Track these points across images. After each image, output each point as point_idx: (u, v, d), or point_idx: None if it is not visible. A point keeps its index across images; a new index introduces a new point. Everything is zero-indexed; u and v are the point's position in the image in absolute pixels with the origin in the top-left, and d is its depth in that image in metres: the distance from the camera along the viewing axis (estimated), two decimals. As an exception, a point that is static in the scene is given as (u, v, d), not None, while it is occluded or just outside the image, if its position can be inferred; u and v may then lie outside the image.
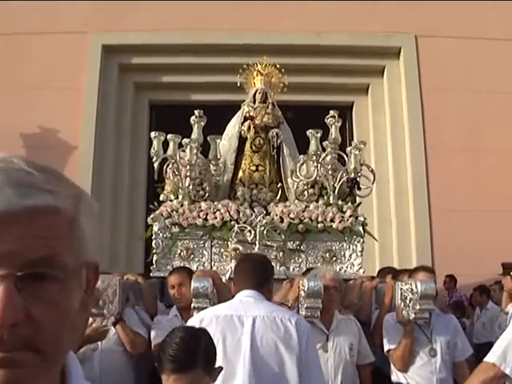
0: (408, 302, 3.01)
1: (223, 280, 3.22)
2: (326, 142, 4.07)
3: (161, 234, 3.85)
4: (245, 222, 3.73)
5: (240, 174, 4.32)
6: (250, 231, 3.52)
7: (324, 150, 4.08)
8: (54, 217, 0.54)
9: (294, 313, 2.51)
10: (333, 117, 4.04)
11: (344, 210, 3.93)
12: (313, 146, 4.01)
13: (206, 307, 2.60)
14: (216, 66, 6.99)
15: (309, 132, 4.07)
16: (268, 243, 3.66)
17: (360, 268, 3.90)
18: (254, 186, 4.21)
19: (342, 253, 3.90)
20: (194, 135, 3.97)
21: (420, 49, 7.19)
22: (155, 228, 3.86)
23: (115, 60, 7.28)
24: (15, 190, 0.52)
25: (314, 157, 3.99)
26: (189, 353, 1.60)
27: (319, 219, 3.86)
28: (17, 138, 6.75)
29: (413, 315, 2.93)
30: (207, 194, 4.03)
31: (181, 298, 3.15)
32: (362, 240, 3.92)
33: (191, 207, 3.84)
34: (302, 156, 4.19)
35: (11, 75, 6.90)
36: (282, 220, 3.83)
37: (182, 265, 3.68)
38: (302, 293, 2.92)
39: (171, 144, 3.92)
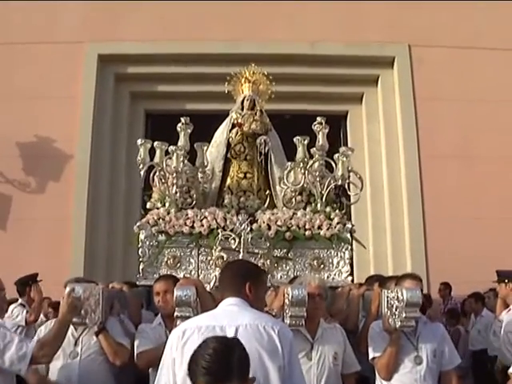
0: (394, 310, 2.96)
1: (207, 288, 3.19)
2: (314, 148, 4.07)
3: (147, 242, 3.82)
4: (231, 230, 3.71)
5: (228, 181, 4.31)
6: (234, 239, 3.50)
7: (312, 157, 4.07)
8: None
9: (278, 320, 2.48)
10: (320, 123, 4.03)
11: (332, 217, 3.91)
12: (300, 153, 4.01)
13: (188, 316, 2.57)
14: (211, 75, 7.00)
15: (296, 139, 4.06)
16: (254, 251, 3.64)
17: (348, 275, 3.87)
18: (242, 193, 4.20)
19: (330, 260, 3.88)
20: (180, 142, 3.97)
21: (413, 58, 7.21)
22: (142, 236, 3.84)
23: (111, 69, 7.32)
24: None
25: (302, 164, 3.98)
26: (223, 364, 1.54)
27: (307, 226, 3.85)
28: (13, 147, 6.78)
29: (399, 323, 2.87)
30: (194, 202, 4.02)
31: (165, 306, 3.10)
32: (349, 247, 3.90)
33: (178, 215, 3.82)
34: (289, 163, 4.18)
35: (7, 84, 6.94)
36: (269, 227, 3.81)
37: (168, 273, 3.64)
38: (286, 301, 2.88)
39: (158, 151, 3.92)
